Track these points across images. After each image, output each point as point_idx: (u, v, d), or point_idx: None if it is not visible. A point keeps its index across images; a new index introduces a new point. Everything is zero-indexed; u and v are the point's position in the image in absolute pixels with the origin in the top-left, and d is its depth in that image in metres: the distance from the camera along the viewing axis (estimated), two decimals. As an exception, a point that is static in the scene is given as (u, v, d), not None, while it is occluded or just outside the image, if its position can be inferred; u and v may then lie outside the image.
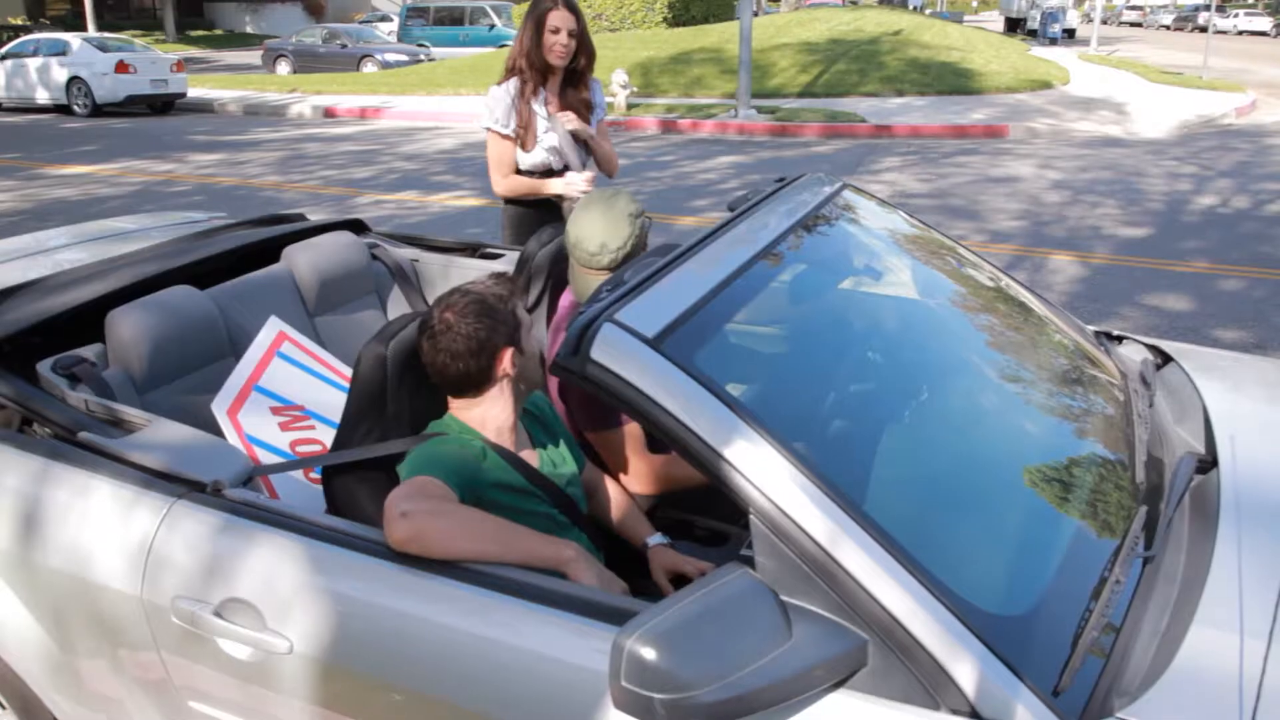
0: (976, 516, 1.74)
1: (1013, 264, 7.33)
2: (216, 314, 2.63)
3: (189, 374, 2.56)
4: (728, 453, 1.51)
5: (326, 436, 2.51)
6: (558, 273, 2.93)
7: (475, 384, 1.99)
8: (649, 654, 1.32)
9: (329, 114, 17.87)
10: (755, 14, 22.21)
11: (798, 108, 16.05)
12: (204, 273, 2.84)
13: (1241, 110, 15.93)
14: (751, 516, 1.50)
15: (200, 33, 42.33)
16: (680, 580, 2.15)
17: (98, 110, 18.39)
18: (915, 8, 42.16)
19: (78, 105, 18.44)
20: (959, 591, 1.46)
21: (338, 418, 2.38)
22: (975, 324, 2.42)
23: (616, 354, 1.58)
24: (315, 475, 2.39)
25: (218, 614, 1.84)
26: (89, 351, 2.45)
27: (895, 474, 1.76)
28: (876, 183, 10.66)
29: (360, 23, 35.48)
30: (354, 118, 17.50)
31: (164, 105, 19.34)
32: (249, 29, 44.33)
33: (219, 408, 2.42)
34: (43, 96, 18.78)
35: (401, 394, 2.08)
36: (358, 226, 3.58)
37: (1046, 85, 18.84)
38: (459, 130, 15.77)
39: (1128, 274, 7.06)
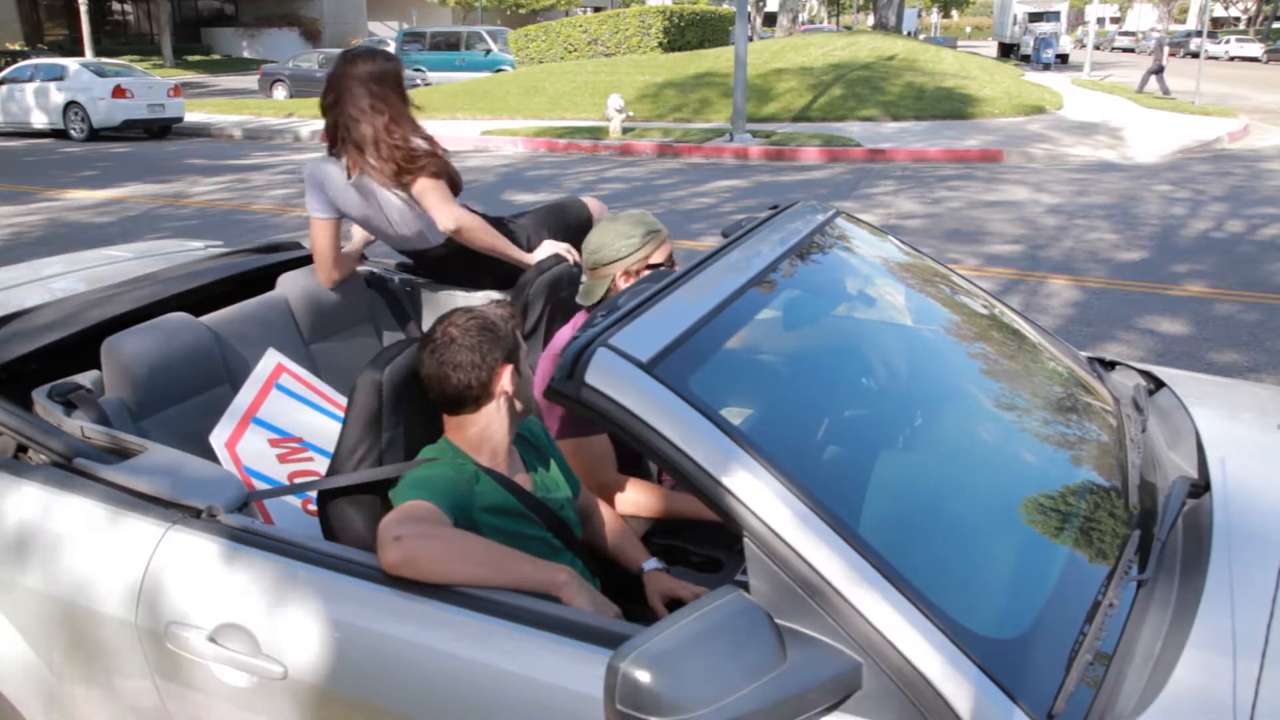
0: (970, 541, 1.75)
1: (1008, 288, 7.35)
2: (212, 341, 2.64)
3: (184, 401, 2.56)
4: (721, 476, 1.52)
5: (324, 467, 2.49)
6: (555, 300, 2.95)
7: (473, 399, 2.00)
8: (643, 677, 1.32)
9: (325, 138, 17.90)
10: (750, 39, 22.36)
11: (793, 132, 16.14)
12: (200, 300, 2.84)
13: (1234, 135, 16.03)
14: (745, 540, 1.50)
15: (197, 57, 42.47)
16: (676, 605, 2.15)
17: (94, 135, 18.44)
18: (909, 33, 42.45)
19: (75, 130, 18.48)
20: (953, 615, 1.46)
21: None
22: (968, 351, 2.44)
23: (611, 378, 1.59)
24: (313, 507, 2.38)
25: (212, 639, 1.83)
26: (85, 378, 2.45)
27: (889, 499, 1.76)
28: (872, 207, 10.70)
29: (357, 48, 35.57)
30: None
31: (161, 130, 19.39)
32: (246, 54, 44.49)
33: (217, 440, 2.42)
34: (40, 121, 18.83)
35: (397, 420, 2.09)
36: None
37: (1040, 110, 18.96)
38: (455, 154, 15.79)
39: (1123, 298, 7.08)
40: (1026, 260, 8.24)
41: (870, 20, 41.97)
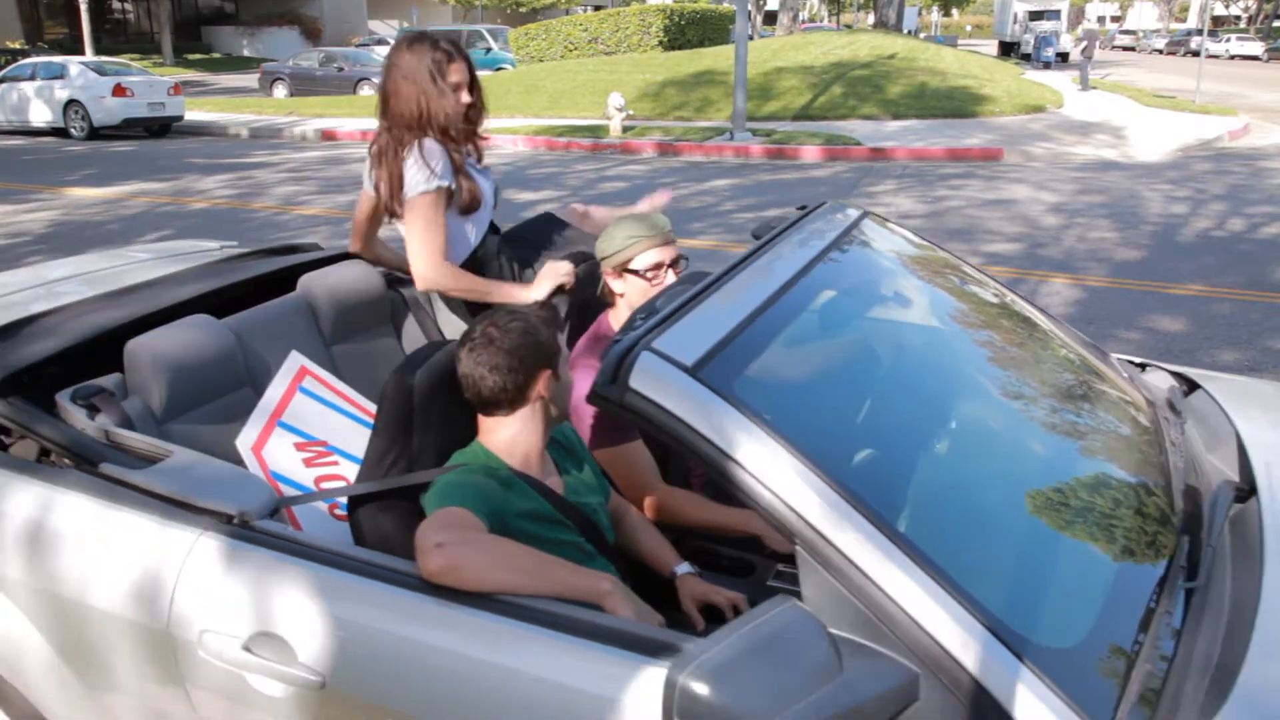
0: (1023, 548, 1.72)
1: (1009, 286, 7.33)
2: (234, 343, 2.60)
3: (207, 404, 2.53)
4: (772, 483, 1.49)
5: (350, 471, 2.49)
6: (578, 302, 2.92)
7: (509, 401, 1.97)
8: (702, 689, 1.31)
9: (327, 136, 17.94)
10: (750, 38, 22.34)
11: (794, 131, 16.13)
12: (220, 302, 2.81)
13: (1234, 134, 16.03)
14: (797, 547, 1.48)
15: (197, 56, 42.43)
16: (710, 610, 2.12)
17: (95, 133, 18.44)
18: (909, 32, 42.46)
19: (75, 128, 18.48)
20: (1011, 624, 1.44)
21: (360, 452, 2.35)
22: (1006, 354, 2.41)
23: (656, 382, 1.58)
24: (341, 512, 2.35)
25: (247, 648, 1.80)
26: (108, 381, 2.42)
27: (941, 505, 1.74)
28: (873, 206, 10.68)
29: (357, 46, 35.61)
30: (353, 140, 17.55)
31: (161, 128, 19.39)
32: (246, 52, 44.45)
33: (244, 443, 2.39)
34: (40, 119, 18.82)
35: (428, 425, 2.05)
36: None
37: (1041, 109, 18.96)
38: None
39: (1124, 296, 7.08)
40: (1027, 259, 8.23)
41: (870, 19, 41.96)
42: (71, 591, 1.96)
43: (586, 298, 2.92)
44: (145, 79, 19.17)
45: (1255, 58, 50.29)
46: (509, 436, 2.01)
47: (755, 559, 2.37)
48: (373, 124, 3.01)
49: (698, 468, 2.68)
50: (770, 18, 51.42)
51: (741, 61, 15.01)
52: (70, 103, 18.41)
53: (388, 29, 45.57)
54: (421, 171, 2.77)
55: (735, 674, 1.33)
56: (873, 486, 1.62)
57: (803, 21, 57.29)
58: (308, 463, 2.44)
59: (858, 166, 13.67)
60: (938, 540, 1.55)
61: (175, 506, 1.95)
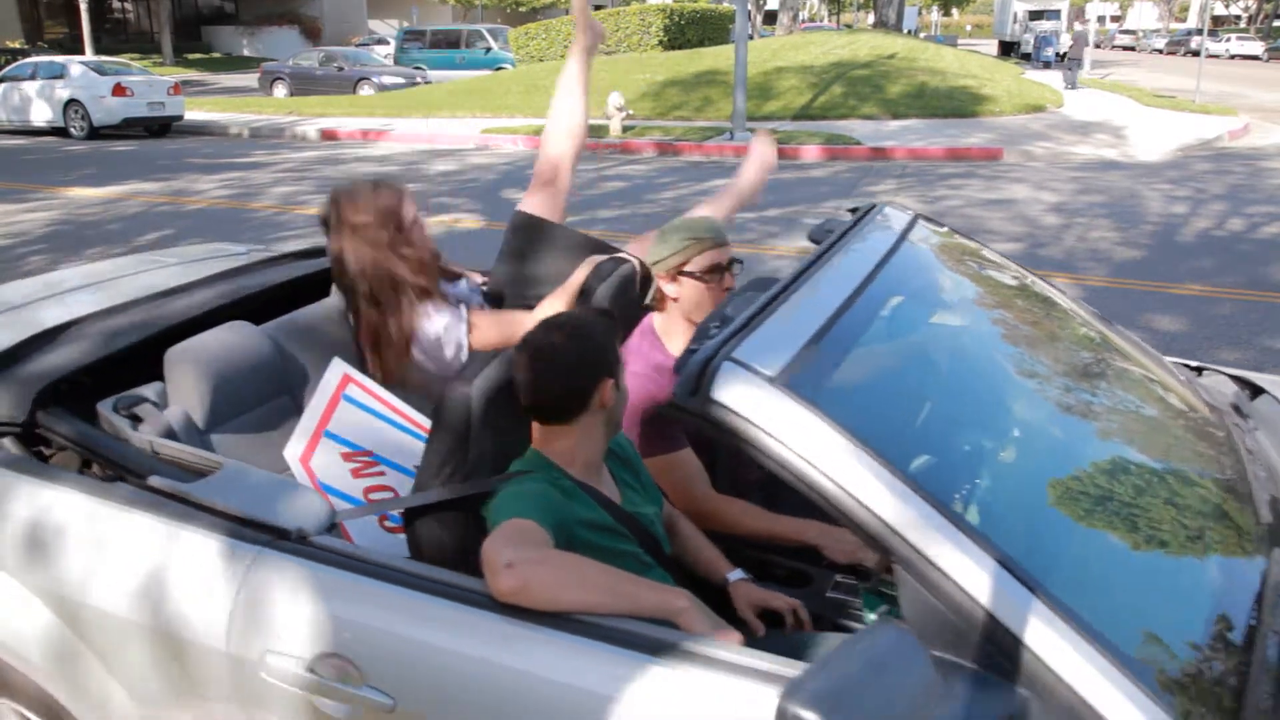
0: (1122, 564, 1.68)
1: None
2: (273, 350, 2.54)
3: (246, 412, 2.47)
4: (864, 496, 1.46)
5: (396, 481, 2.43)
6: (619, 307, 2.80)
7: (571, 410, 1.92)
8: (812, 717, 1.28)
9: (326, 136, 17.93)
10: (750, 37, 22.34)
11: (794, 130, 16.13)
12: (255, 307, 2.74)
13: (1234, 134, 16.03)
14: (896, 567, 1.45)
15: (197, 56, 42.41)
16: (769, 616, 2.08)
17: (95, 133, 18.42)
18: (910, 31, 42.44)
19: (75, 128, 18.47)
20: (1120, 646, 1.40)
21: (406, 462, 2.34)
22: (1075, 361, 2.35)
23: (739, 393, 1.53)
24: (391, 524, 2.30)
25: (312, 670, 1.74)
26: (149, 390, 2.36)
27: (1043, 523, 1.70)
28: (872, 205, 10.68)
29: (357, 46, 35.63)
30: (354, 140, 17.55)
31: (161, 128, 19.38)
32: (246, 52, 44.43)
33: (292, 455, 2.31)
34: (40, 119, 18.81)
35: (485, 436, 2.00)
36: None
37: (1041, 108, 18.96)
38: (456, 152, 15.81)
39: (1124, 296, 7.08)
40: (1027, 259, 8.23)
41: (870, 18, 41.96)
42: (125, 610, 1.90)
43: (623, 310, 2.81)
44: (145, 78, 19.17)
45: (1255, 57, 50.29)
46: (569, 445, 1.95)
47: (812, 569, 2.32)
48: (373, 123, 2.94)
49: (749, 474, 2.64)
50: (770, 17, 51.40)
51: (741, 61, 15.01)
52: (70, 102, 18.40)
53: (388, 28, 45.54)
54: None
55: (844, 700, 1.30)
56: (968, 501, 1.58)
57: (803, 21, 57.28)
58: (355, 473, 2.38)
59: (858, 166, 13.67)
60: (1039, 557, 1.50)
61: (229, 522, 1.89)
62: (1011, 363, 2.27)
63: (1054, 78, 24.95)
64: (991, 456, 1.87)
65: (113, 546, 1.93)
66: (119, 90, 18.21)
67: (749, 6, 16.56)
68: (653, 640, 1.57)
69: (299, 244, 8.88)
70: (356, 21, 45.82)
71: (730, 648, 1.57)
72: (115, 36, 41.44)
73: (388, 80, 25.75)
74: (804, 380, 1.59)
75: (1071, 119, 17.79)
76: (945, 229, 2.69)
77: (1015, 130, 16.28)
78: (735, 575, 2.16)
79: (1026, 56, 35.61)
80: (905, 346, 2.12)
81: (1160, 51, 59.83)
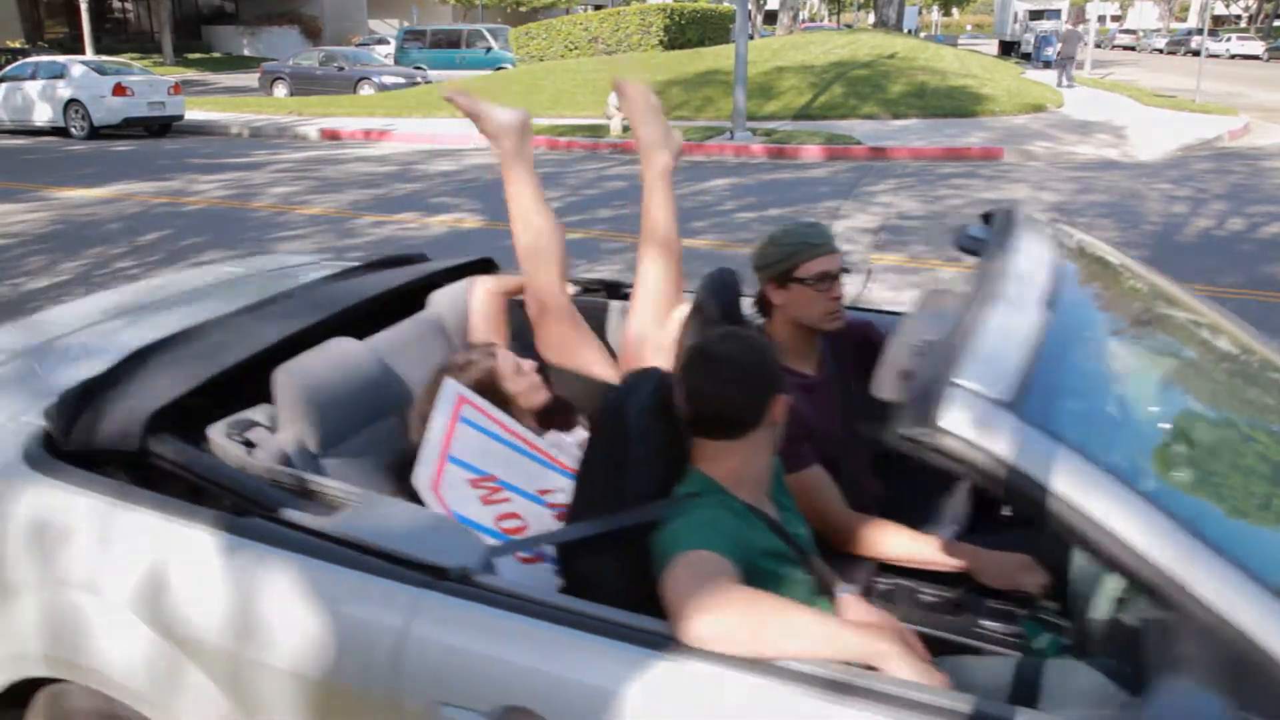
0: None
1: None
2: (378, 367, 2.43)
3: (356, 434, 2.35)
4: (1125, 533, 1.35)
5: (522, 508, 2.26)
6: (710, 315, 2.65)
7: (741, 426, 1.81)
8: None
9: (326, 136, 17.93)
10: (750, 37, 22.34)
11: (794, 130, 16.13)
12: (350, 323, 2.60)
13: (1234, 133, 16.03)
14: (1173, 613, 1.34)
15: (198, 55, 42.38)
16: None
17: (95, 132, 18.41)
18: (910, 31, 42.43)
19: (75, 128, 18.47)
20: None
21: (529, 487, 2.24)
22: (1258, 370, 2.21)
23: (971, 421, 1.41)
24: (525, 554, 2.13)
25: None
26: (258, 413, 2.24)
27: None
28: (873, 205, 10.69)
29: (357, 45, 35.64)
30: (355, 139, 17.55)
31: (161, 128, 19.38)
32: (246, 52, 44.41)
33: (422, 482, 2.15)
34: (41, 119, 18.80)
35: (642, 458, 1.87)
36: (488, 265, 3.31)
37: (1041, 108, 18.96)
38: (457, 152, 15.81)
39: (1124, 296, 7.07)
40: (1028, 258, 8.22)
41: (871, 18, 41.94)
42: (271, 658, 1.75)
43: (722, 306, 2.62)
44: (145, 78, 19.16)
45: (1255, 57, 50.27)
46: (737, 465, 1.83)
47: (962, 595, 2.20)
48: (374, 123, 2.95)
49: (873, 488, 2.53)
50: (770, 17, 51.39)
51: (742, 61, 15.01)
52: (71, 102, 18.40)
53: (388, 28, 45.51)
54: None
55: None
56: (1224, 531, 1.46)
57: (803, 21, 57.30)
58: (484, 500, 2.22)
59: (858, 166, 13.67)
60: None
61: (380, 559, 1.74)
62: (1216, 373, 2.12)
63: (1054, 77, 24.94)
64: (1244, 490, 1.70)
65: (252, 589, 1.78)
66: (119, 90, 18.21)
67: (749, 6, 16.55)
68: (867, 689, 1.45)
69: (299, 244, 8.96)
70: (357, 21, 45.81)
71: (945, 692, 1.45)
72: (115, 36, 41.43)
73: (388, 80, 25.76)
74: (1038, 404, 1.47)
75: (1071, 118, 17.78)
76: (1082, 232, 2.54)
77: (1015, 130, 16.27)
78: (842, 591, 1.97)
79: (1027, 56, 35.55)
80: (1114, 360, 1.98)
81: (1160, 51, 59.81)
